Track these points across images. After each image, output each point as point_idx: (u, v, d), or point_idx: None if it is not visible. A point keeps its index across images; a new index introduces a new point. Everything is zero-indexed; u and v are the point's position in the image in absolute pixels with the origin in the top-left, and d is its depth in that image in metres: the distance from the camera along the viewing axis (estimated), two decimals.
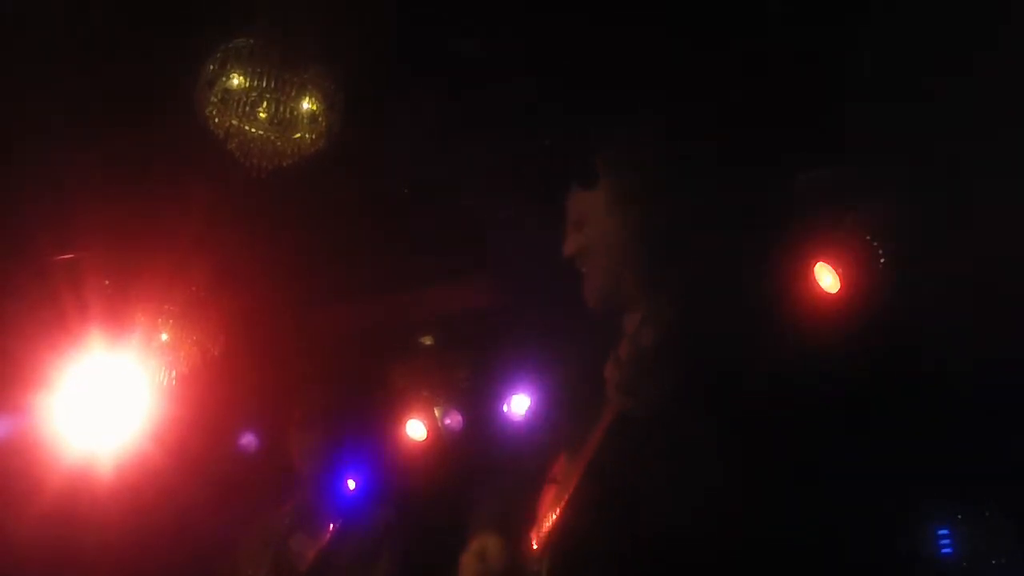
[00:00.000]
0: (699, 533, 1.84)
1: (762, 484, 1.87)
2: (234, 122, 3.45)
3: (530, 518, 2.15)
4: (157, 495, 4.35)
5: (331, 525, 3.87)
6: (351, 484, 5.02)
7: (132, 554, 4.36)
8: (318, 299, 5.19)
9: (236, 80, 3.38)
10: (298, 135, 3.55)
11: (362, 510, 4.11)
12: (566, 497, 2.07)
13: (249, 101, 3.42)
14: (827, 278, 3.89)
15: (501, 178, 4.36)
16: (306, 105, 3.51)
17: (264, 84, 3.39)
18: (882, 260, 3.77)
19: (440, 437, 5.50)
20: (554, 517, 2.07)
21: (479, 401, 5.49)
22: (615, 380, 2.09)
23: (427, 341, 5.47)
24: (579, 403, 2.25)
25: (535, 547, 2.09)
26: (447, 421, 5.51)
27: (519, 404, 5.30)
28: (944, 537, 4.47)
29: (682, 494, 1.86)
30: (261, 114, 3.46)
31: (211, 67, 3.37)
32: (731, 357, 1.97)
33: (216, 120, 3.47)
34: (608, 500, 1.99)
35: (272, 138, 3.51)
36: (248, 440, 5.38)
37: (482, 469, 5.05)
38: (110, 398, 4.37)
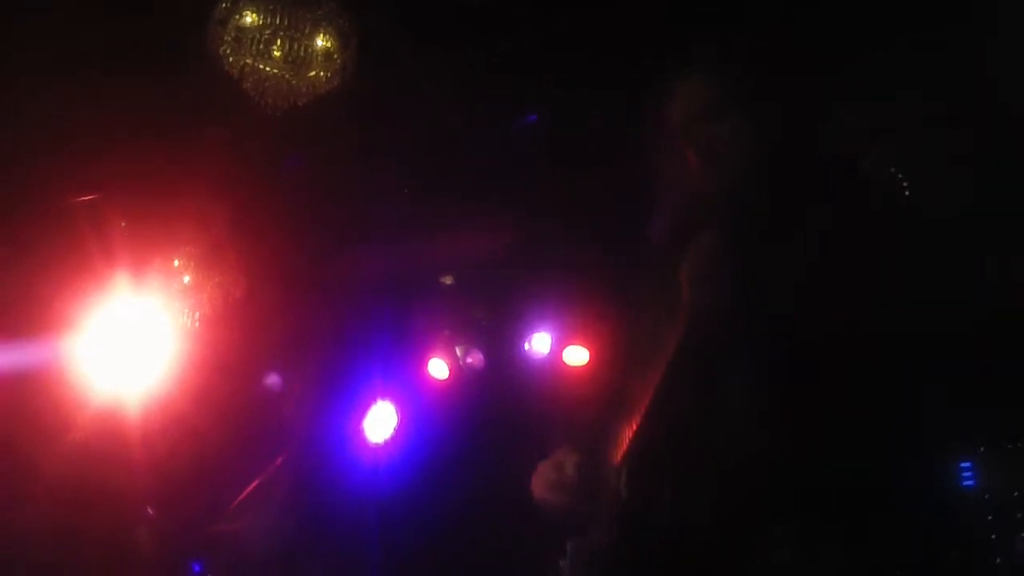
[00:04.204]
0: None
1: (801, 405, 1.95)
2: (248, 61, 3.44)
3: (611, 440, 2.24)
4: (181, 435, 4.40)
5: None
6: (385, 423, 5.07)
7: (156, 491, 4.42)
8: (339, 241, 5.20)
9: (249, 18, 3.36)
10: (313, 73, 3.52)
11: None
12: (642, 409, 2.16)
13: (263, 39, 3.40)
14: None
15: (519, 121, 4.35)
16: (320, 42, 3.48)
17: (277, 21, 3.36)
18: None
19: (462, 375, 5.52)
20: (631, 431, 2.17)
21: (500, 340, 5.50)
22: (688, 276, 2.24)
23: (448, 281, 5.48)
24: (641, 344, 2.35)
25: (616, 460, 2.20)
26: (468, 360, 5.53)
27: (540, 342, 5.31)
28: (966, 470, 4.45)
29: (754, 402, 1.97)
30: (275, 52, 3.44)
31: (223, 4, 3.35)
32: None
33: (230, 59, 3.45)
34: (686, 404, 2.10)
35: (287, 76, 3.49)
36: (272, 381, 5.41)
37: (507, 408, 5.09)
38: (135, 339, 4.41)
